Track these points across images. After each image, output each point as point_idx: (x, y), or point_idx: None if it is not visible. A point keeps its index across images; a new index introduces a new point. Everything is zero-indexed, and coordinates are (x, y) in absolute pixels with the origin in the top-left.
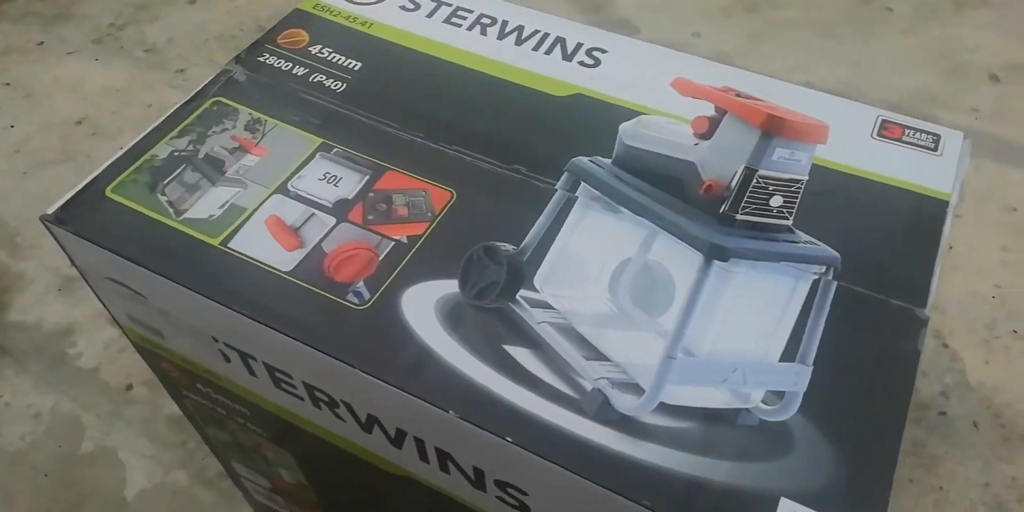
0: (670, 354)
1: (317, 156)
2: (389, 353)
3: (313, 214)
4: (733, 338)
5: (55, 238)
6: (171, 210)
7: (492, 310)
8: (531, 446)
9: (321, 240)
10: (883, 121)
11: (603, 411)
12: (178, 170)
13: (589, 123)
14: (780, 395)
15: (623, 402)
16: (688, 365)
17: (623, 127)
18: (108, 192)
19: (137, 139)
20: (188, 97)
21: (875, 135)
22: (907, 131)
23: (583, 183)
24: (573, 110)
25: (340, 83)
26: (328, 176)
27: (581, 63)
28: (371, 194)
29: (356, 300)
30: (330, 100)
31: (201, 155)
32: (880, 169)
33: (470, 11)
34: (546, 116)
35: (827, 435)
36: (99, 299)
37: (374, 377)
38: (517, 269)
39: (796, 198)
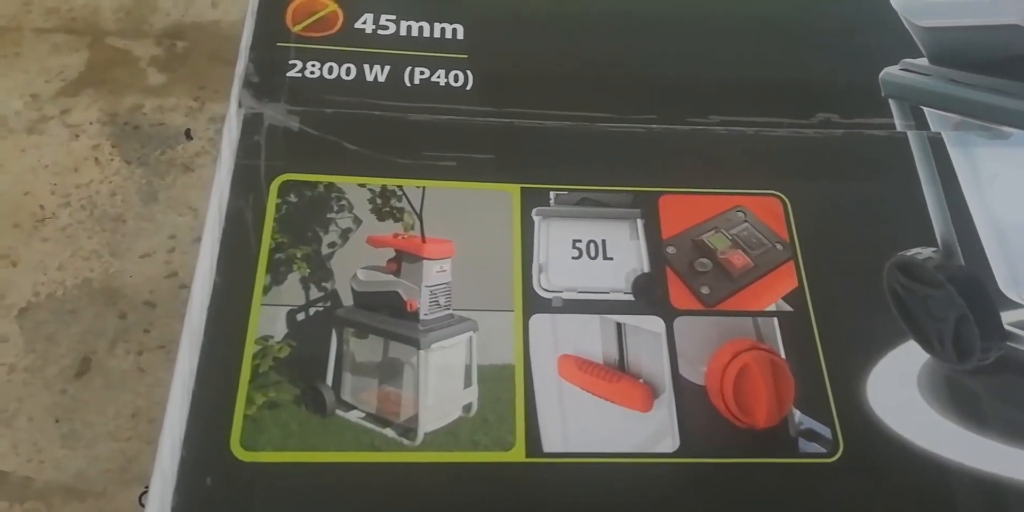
0: None
1: (537, 220)
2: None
3: (621, 325)
4: None
5: None
6: (392, 433)
7: (1000, 364)
8: None
9: (675, 367)
10: None
11: None
12: (332, 351)
13: (844, 12)
14: None
15: None
16: None
17: (897, 3)
18: (237, 451)
19: (194, 331)
20: (222, 188)
21: None
22: None
23: (927, 110)
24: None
25: (459, 73)
26: (583, 245)
27: None
28: (670, 249)
29: (821, 448)
30: (467, 108)
31: (350, 300)
32: None
33: None
34: (784, 22)
35: None
36: None
37: None
38: (972, 284)
39: None
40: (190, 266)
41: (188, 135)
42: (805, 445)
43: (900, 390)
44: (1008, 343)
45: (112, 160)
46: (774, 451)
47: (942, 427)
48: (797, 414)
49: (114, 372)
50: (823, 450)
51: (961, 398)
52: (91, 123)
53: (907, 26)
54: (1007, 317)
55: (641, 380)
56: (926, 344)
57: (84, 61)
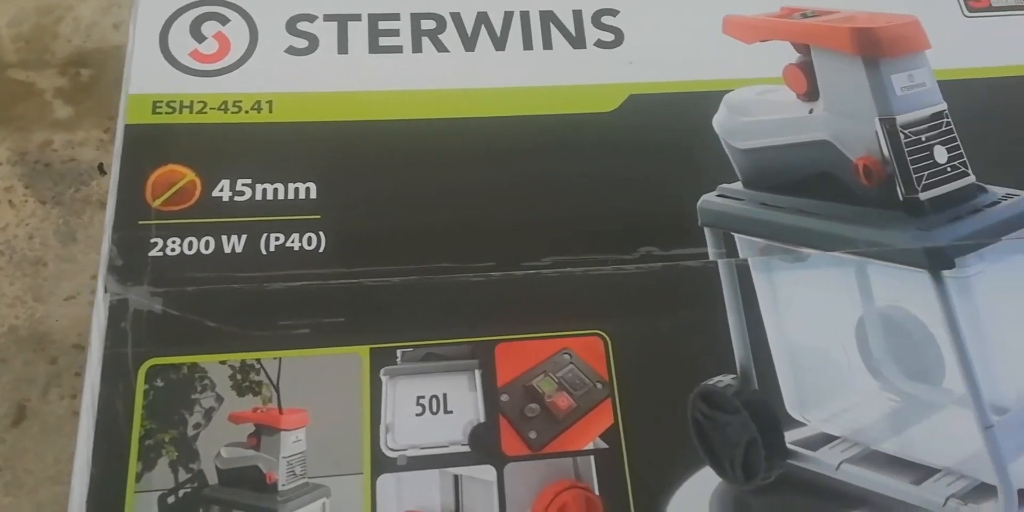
0: (985, 423)
1: (385, 380)
2: None
3: (458, 477)
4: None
5: None
6: None
7: (779, 482)
8: None
9: (504, 511)
10: None
11: None
12: None
13: (675, 135)
14: None
15: None
16: (1011, 426)
17: (719, 125)
18: None
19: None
20: (93, 379)
21: (966, 12)
22: None
23: (736, 236)
24: (640, 125)
25: (312, 235)
26: (426, 402)
27: (600, 44)
28: (504, 397)
29: None
30: (320, 272)
31: (215, 478)
32: (991, 59)
33: (395, 18)
34: (614, 151)
35: None
36: None
37: None
38: (762, 408)
39: (955, 139)
40: None
41: (101, 170)
42: None
43: None
44: (789, 461)
45: (26, 202)
46: None
47: None
48: None
49: (50, 418)
50: None
51: None
52: (1, 164)
53: (727, 150)
54: (790, 436)
55: None
56: (719, 468)
57: None
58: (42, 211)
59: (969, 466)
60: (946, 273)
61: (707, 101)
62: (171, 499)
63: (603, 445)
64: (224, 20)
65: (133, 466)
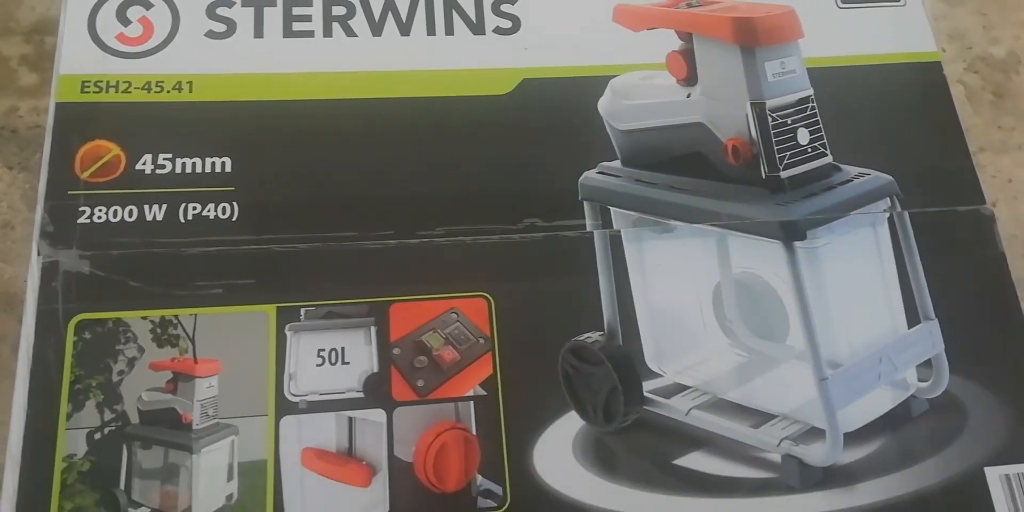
0: (821, 376)
1: (289, 334)
2: None
3: (352, 419)
4: (859, 325)
5: None
6: None
7: (635, 425)
8: None
9: (392, 448)
10: None
11: (806, 476)
12: (124, 461)
13: (564, 117)
14: (928, 365)
15: (816, 454)
16: (842, 378)
17: (603, 107)
18: None
19: (14, 455)
20: (28, 333)
21: (840, 3)
22: None
23: (612, 209)
24: (532, 108)
25: (226, 206)
26: (325, 354)
27: (499, 31)
28: (396, 351)
29: (494, 502)
30: (232, 238)
31: (136, 418)
32: (860, 48)
33: (308, 4)
34: (507, 132)
35: (987, 386)
36: None
37: None
38: (624, 361)
39: (817, 122)
40: None
41: None
42: (483, 502)
43: (558, 452)
44: (645, 407)
45: None
46: (458, 509)
47: (585, 479)
48: (479, 478)
49: None
50: (495, 504)
51: (603, 455)
52: None
53: (609, 131)
54: (647, 386)
55: (364, 462)
56: (583, 413)
57: None
58: (9, 176)
59: (803, 413)
60: (797, 244)
61: (595, 85)
62: (97, 436)
63: (482, 392)
64: (148, 5)
65: (64, 407)
